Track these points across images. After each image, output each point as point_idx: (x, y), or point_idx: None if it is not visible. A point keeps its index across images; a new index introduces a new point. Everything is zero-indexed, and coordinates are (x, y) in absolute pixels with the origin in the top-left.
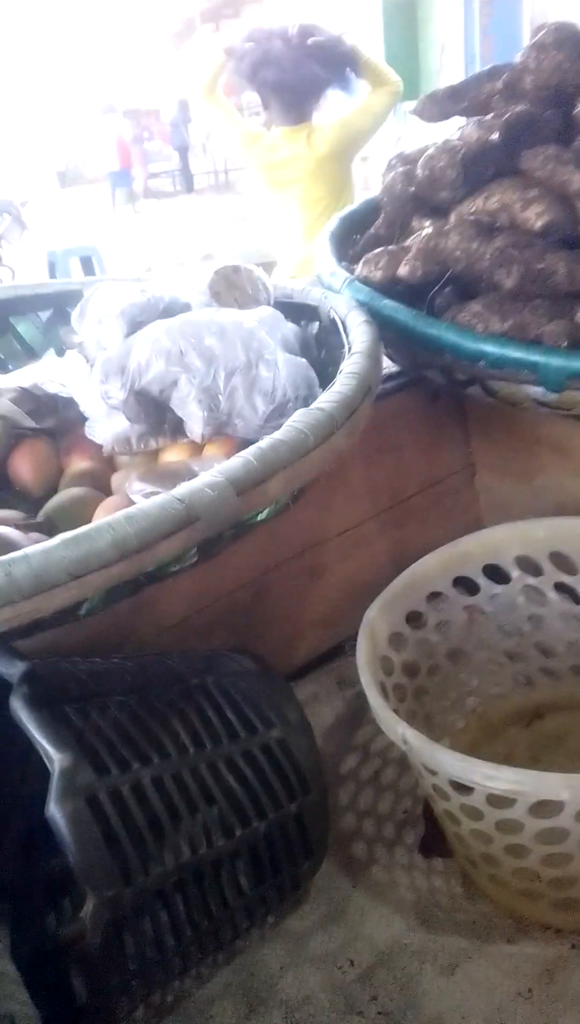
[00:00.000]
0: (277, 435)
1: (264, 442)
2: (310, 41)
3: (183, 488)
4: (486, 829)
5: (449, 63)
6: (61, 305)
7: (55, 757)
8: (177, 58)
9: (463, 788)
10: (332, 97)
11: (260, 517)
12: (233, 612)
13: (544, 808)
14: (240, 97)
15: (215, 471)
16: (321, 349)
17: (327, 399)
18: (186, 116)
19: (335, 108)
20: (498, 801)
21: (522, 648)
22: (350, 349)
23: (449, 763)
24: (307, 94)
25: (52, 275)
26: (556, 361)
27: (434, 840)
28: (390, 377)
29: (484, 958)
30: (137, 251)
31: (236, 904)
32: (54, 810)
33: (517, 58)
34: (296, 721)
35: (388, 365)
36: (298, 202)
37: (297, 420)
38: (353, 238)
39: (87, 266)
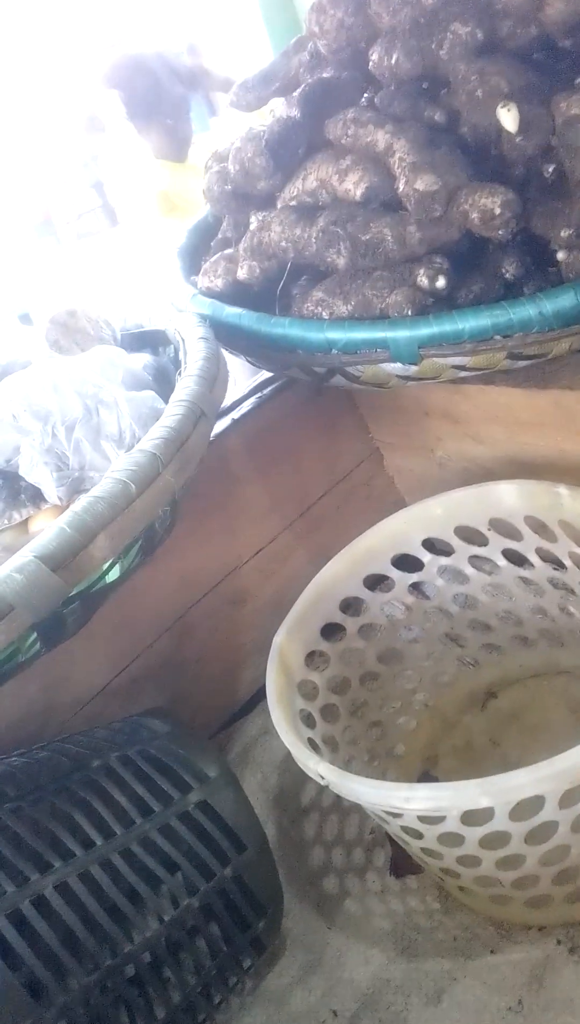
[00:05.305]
0: (94, 491)
1: (79, 503)
2: None
3: None
4: (432, 846)
5: None
6: None
7: None
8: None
9: (394, 812)
10: None
11: (109, 579)
12: (159, 665)
13: (476, 816)
14: None
15: (25, 549)
16: (179, 373)
17: (150, 437)
18: None
19: None
20: (429, 819)
21: (458, 630)
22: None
23: (366, 793)
24: None
25: None
26: (403, 332)
27: (403, 858)
28: (268, 381)
29: (469, 976)
30: None
31: (194, 986)
32: None
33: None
34: (217, 777)
35: None
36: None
37: (117, 468)
38: (209, 247)
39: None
